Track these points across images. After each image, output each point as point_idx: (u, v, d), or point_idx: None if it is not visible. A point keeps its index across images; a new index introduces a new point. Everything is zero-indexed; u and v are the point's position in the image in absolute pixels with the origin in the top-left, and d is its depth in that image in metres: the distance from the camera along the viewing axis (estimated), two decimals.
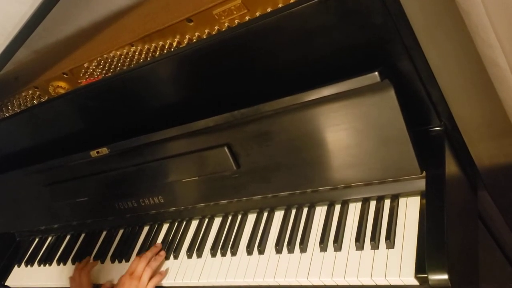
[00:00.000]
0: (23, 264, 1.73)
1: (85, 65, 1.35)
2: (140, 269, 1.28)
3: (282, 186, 1.16)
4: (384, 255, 0.99)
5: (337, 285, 1.03)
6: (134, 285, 1.26)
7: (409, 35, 0.93)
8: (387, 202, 1.08)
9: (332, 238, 1.09)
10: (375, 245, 1.02)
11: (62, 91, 1.44)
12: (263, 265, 1.15)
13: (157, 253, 1.34)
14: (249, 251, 1.20)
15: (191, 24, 1.16)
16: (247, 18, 1.10)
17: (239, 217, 1.29)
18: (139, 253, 1.41)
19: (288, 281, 1.09)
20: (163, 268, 1.32)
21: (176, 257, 1.33)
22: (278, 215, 1.23)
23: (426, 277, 0.88)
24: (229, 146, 1.16)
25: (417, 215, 1.01)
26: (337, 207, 1.15)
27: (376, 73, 0.91)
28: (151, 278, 1.28)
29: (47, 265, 1.65)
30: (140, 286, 1.26)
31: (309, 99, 0.99)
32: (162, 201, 1.35)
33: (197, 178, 1.25)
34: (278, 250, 1.15)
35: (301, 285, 1.08)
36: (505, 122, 1.07)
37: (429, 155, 1.01)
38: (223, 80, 1.15)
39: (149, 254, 1.33)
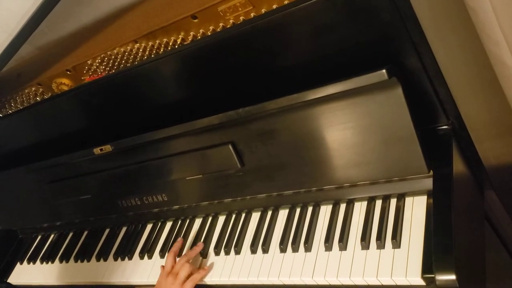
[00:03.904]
0: (25, 262, 1.73)
1: (89, 62, 1.34)
2: (178, 266, 1.21)
3: (286, 184, 1.15)
4: (390, 254, 0.99)
5: (343, 284, 1.02)
6: (170, 282, 1.19)
7: (417, 33, 0.92)
8: (393, 201, 1.07)
9: (337, 238, 1.08)
10: (381, 244, 1.01)
11: (65, 88, 1.44)
12: (267, 264, 1.15)
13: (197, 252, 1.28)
14: (253, 250, 1.19)
15: (195, 20, 1.15)
16: (252, 15, 1.09)
17: (243, 215, 1.29)
18: (143, 251, 1.40)
19: (292, 280, 1.08)
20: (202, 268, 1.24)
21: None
22: (283, 213, 1.22)
23: (433, 277, 0.87)
24: (234, 144, 1.15)
25: (423, 214, 1.00)
26: (343, 206, 1.14)
27: (384, 70, 0.90)
28: (189, 276, 1.20)
29: (50, 262, 1.65)
30: (176, 282, 1.18)
31: (315, 97, 0.98)
32: (166, 199, 1.34)
33: (201, 176, 1.24)
34: (283, 249, 1.14)
35: (306, 285, 1.08)
36: (511, 120, 1.06)
37: (437, 154, 1.00)
38: (228, 78, 1.14)
39: (191, 253, 1.25)
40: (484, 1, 0.83)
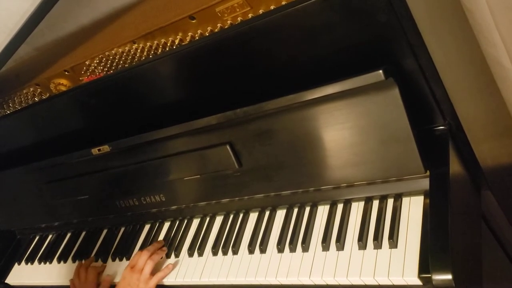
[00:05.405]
0: (23, 262, 1.72)
1: (87, 62, 1.34)
2: (141, 262, 1.25)
3: (284, 184, 1.15)
4: (387, 254, 0.99)
5: (340, 284, 1.03)
6: (135, 278, 1.24)
7: (413, 33, 0.92)
8: (390, 202, 1.07)
9: (334, 238, 1.08)
10: (378, 244, 1.01)
11: (63, 89, 1.44)
12: (264, 264, 1.15)
13: (159, 249, 1.33)
14: (251, 250, 1.19)
15: (193, 21, 1.15)
16: (250, 15, 1.10)
17: (241, 215, 1.29)
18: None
19: (290, 280, 1.09)
20: (165, 266, 1.30)
21: (177, 256, 1.32)
22: (280, 214, 1.22)
23: (430, 277, 0.88)
24: (231, 144, 1.15)
25: (420, 214, 1.01)
26: (340, 206, 1.14)
27: (381, 71, 0.90)
28: (154, 273, 1.25)
29: (48, 263, 1.65)
30: (141, 279, 1.23)
31: (313, 97, 0.99)
32: (164, 199, 1.34)
33: (199, 176, 1.24)
34: (280, 249, 1.14)
35: (304, 285, 1.08)
36: (508, 121, 1.07)
37: (433, 154, 1.01)
38: (226, 78, 1.15)
39: (151, 248, 1.30)
40: (481, 3, 0.84)
